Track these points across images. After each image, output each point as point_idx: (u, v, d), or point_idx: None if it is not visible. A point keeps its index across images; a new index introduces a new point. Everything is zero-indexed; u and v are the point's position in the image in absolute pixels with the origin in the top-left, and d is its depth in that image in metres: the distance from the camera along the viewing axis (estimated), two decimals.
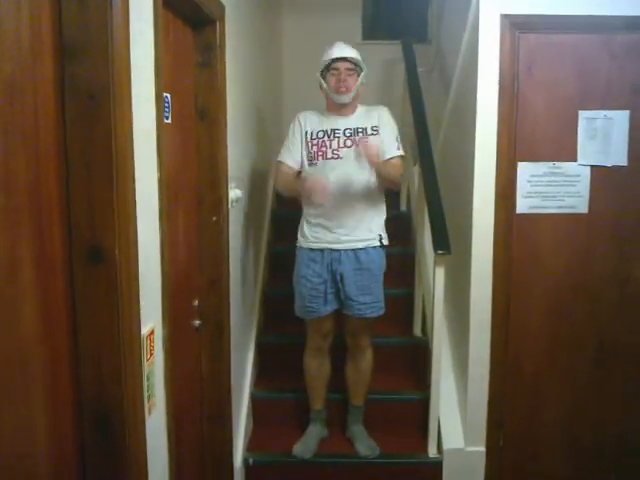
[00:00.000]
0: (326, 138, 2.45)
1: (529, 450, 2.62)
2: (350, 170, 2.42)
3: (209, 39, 1.96)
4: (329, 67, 2.41)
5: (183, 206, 1.89)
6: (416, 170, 3.16)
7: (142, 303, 1.26)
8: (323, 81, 2.44)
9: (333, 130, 2.45)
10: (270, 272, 3.41)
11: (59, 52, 1.06)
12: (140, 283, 1.24)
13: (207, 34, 1.95)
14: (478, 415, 2.57)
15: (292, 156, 2.50)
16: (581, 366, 2.55)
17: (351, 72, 2.41)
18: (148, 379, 1.35)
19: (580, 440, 2.59)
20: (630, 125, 2.42)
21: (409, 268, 3.21)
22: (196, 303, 2.00)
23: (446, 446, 2.60)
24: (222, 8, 2.02)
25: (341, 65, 2.39)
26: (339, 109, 2.47)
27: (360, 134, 2.43)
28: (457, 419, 2.68)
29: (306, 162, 2.49)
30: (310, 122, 2.49)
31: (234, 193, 2.28)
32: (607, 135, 2.44)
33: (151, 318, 1.37)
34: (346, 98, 2.42)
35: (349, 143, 2.43)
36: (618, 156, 2.45)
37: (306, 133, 2.48)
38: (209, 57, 1.97)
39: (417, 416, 2.77)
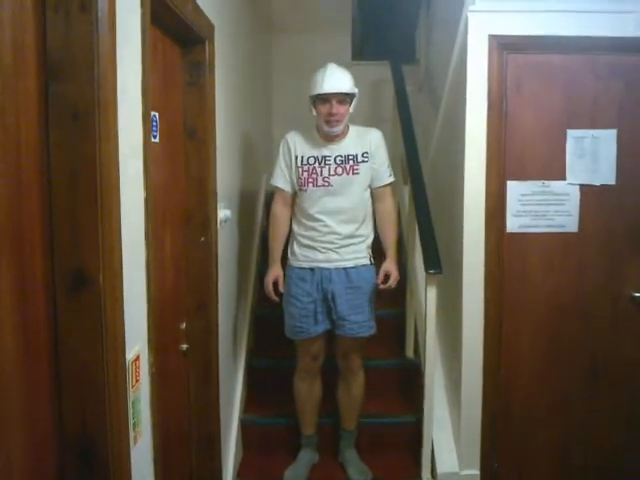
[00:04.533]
0: (317, 165, 2.41)
1: (524, 472, 2.57)
2: (340, 197, 2.41)
3: (198, 58, 1.94)
4: (320, 94, 2.34)
5: (170, 226, 1.85)
6: (406, 189, 3.15)
7: (127, 328, 1.21)
8: (313, 108, 2.38)
9: (324, 157, 2.42)
10: (260, 292, 3.36)
11: (43, 70, 1.03)
12: (125, 307, 1.20)
13: (196, 53, 1.94)
14: (472, 437, 2.53)
15: (285, 179, 2.48)
16: (574, 385, 2.53)
17: (343, 102, 2.34)
18: (133, 406, 1.30)
19: (574, 460, 2.56)
20: (617, 144, 2.44)
21: (400, 288, 3.18)
22: (183, 326, 1.95)
23: (440, 470, 2.55)
24: (212, 27, 2.01)
25: (332, 96, 2.32)
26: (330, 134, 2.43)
27: (351, 161, 2.41)
28: (450, 442, 2.64)
29: (296, 187, 2.47)
30: (300, 146, 2.45)
31: (223, 213, 2.25)
32: (595, 154, 2.45)
33: (136, 343, 1.32)
34: (337, 130, 2.38)
35: (340, 171, 2.41)
36: (606, 175, 2.46)
37: (296, 158, 2.44)
38: (198, 76, 1.95)
39: (410, 439, 2.72)
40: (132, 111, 1.29)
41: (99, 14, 1.03)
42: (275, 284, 2.51)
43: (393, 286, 2.50)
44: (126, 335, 1.21)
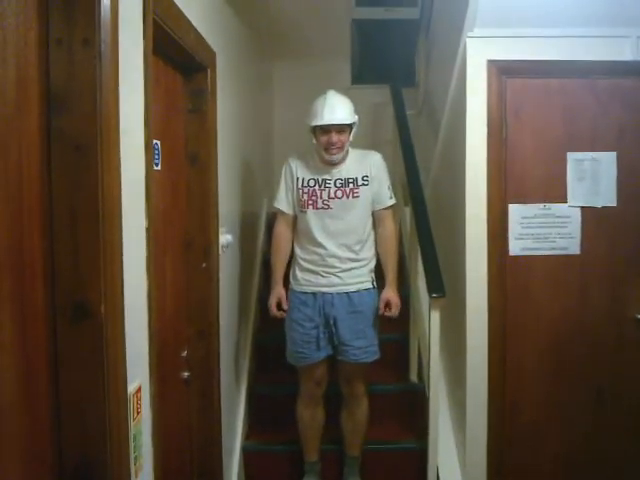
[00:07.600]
0: (317, 187, 2.42)
1: None
2: (340, 221, 2.41)
3: (200, 85, 1.96)
4: (319, 125, 2.34)
5: (171, 253, 1.84)
6: (408, 212, 3.15)
7: (128, 359, 1.20)
8: (313, 136, 2.39)
9: (324, 180, 2.42)
10: (261, 318, 3.34)
11: (46, 103, 1.03)
12: (126, 339, 1.18)
13: (198, 80, 1.95)
14: (478, 463, 2.48)
15: (287, 202, 2.49)
16: (580, 407, 2.50)
17: (342, 131, 2.34)
18: (135, 439, 1.28)
19: None
20: (618, 166, 2.44)
21: (403, 311, 3.15)
22: (184, 354, 1.93)
23: None
24: (213, 55, 2.02)
25: (332, 127, 2.32)
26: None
27: (351, 185, 2.41)
28: (456, 468, 2.59)
29: (297, 208, 2.47)
30: (301, 168, 2.46)
31: (224, 238, 2.24)
32: (596, 176, 2.45)
33: (138, 375, 1.30)
34: (336, 158, 2.38)
35: (339, 194, 2.41)
36: (607, 197, 2.46)
37: (297, 179, 2.46)
38: (200, 103, 1.96)
39: (415, 465, 2.67)
40: (134, 141, 1.29)
41: (101, 47, 1.03)
42: (279, 305, 2.48)
43: (395, 314, 2.48)
44: (127, 367, 1.19)
